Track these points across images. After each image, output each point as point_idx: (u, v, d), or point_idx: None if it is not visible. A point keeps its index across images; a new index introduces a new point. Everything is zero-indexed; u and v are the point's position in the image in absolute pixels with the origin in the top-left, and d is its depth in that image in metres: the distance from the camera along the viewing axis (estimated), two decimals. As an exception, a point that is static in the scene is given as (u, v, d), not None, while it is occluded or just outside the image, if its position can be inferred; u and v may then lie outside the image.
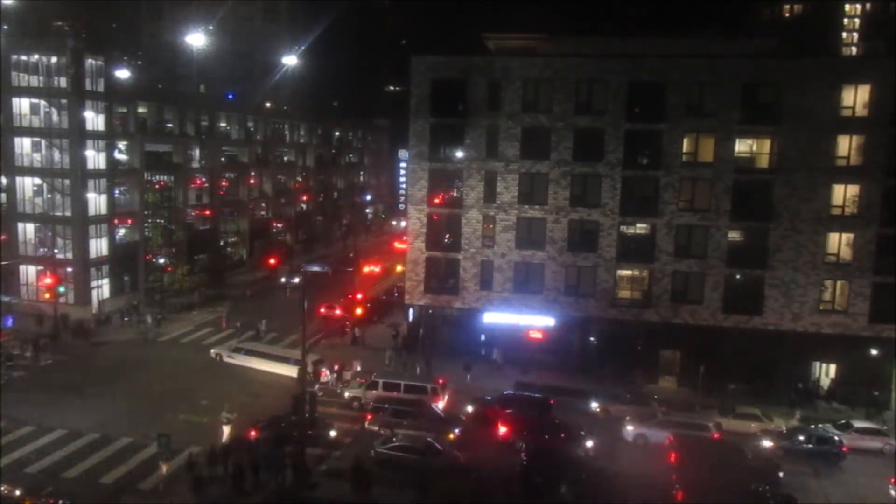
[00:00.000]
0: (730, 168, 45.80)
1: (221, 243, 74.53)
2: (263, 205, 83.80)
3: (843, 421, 40.50)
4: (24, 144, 56.13)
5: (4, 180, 56.84)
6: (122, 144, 60.99)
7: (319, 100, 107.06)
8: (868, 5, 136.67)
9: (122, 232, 60.82)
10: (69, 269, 55.51)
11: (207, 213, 71.76)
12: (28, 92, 55.37)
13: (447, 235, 50.83)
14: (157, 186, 64.43)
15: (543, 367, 46.84)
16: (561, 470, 32.30)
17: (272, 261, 73.90)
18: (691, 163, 46.36)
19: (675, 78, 45.78)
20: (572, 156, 47.40)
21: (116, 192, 59.77)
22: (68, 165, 55.09)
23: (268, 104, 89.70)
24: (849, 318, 45.34)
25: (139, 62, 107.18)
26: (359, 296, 59.63)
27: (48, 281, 53.36)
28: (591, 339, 48.61)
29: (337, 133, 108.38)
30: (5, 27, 70.00)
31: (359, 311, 56.69)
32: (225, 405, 36.01)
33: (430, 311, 51.13)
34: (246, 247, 78.68)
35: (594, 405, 41.87)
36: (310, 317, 47.82)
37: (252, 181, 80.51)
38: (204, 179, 71.60)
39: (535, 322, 49.04)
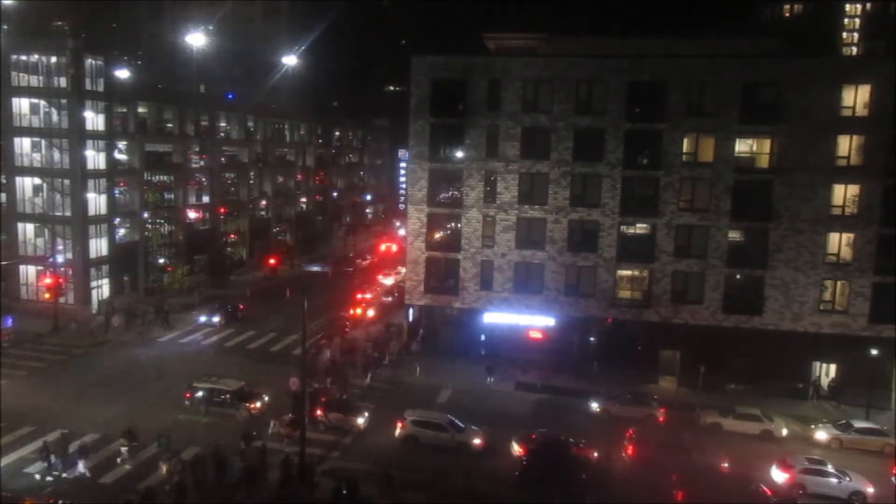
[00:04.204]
0: (730, 168, 45.81)
1: (221, 243, 74.54)
2: (263, 205, 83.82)
3: (843, 421, 40.55)
4: (24, 144, 56.17)
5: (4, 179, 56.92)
6: (122, 144, 61.02)
7: (319, 100, 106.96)
8: (868, 5, 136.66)
9: (122, 232, 60.87)
10: (69, 270, 55.56)
11: (207, 213, 71.76)
12: (28, 92, 55.39)
13: (447, 235, 50.92)
14: (157, 186, 64.47)
15: (543, 367, 46.85)
16: (561, 469, 32.27)
17: (272, 261, 74.13)
18: (691, 163, 46.36)
19: (675, 78, 45.78)
20: (572, 156, 47.40)
21: (116, 192, 59.81)
22: (68, 165, 55.11)
23: (268, 104, 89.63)
24: (849, 318, 45.35)
25: (139, 62, 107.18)
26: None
27: (48, 281, 53.40)
28: (591, 339, 48.62)
29: (337, 133, 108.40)
30: (5, 27, 70.04)
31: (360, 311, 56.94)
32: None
33: (430, 311, 51.13)
34: (246, 247, 78.68)
35: (594, 405, 41.85)
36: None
37: (252, 181, 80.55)
38: (204, 179, 71.63)
39: (535, 322, 49.03)
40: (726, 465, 34.34)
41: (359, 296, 62.69)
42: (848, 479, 33.38)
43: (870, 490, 33.08)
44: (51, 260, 54.69)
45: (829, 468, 33.80)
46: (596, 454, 34.58)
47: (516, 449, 34.81)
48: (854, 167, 44.53)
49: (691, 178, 46.41)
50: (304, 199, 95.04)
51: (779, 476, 33.78)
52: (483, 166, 48.67)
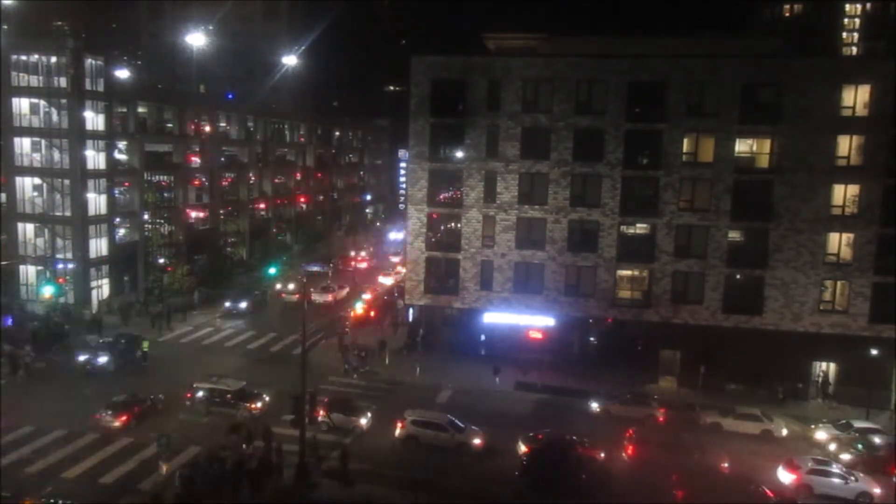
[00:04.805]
0: (730, 168, 45.80)
1: (221, 243, 74.49)
2: (263, 205, 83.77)
3: (843, 421, 40.53)
4: (24, 144, 56.16)
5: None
6: (122, 144, 61.00)
7: (319, 100, 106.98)
8: (868, 5, 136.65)
9: (122, 232, 60.84)
10: (69, 269, 55.54)
11: (207, 213, 71.73)
12: (28, 92, 55.38)
13: (447, 235, 50.92)
14: (157, 186, 64.46)
15: (543, 367, 46.85)
16: (561, 469, 32.29)
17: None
18: (691, 163, 46.35)
19: (675, 78, 45.78)
20: (572, 156, 47.40)
21: (116, 192, 59.80)
22: (68, 165, 55.10)
23: (268, 104, 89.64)
24: (849, 318, 45.34)
25: (139, 62, 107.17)
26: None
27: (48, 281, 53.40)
28: (591, 339, 48.62)
29: (337, 133, 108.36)
30: (5, 27, 70.02)
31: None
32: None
33: (431, 311, 51.14)
34: (246, 247, 78.65)
35: (594, 405, 41.85)
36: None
37: (252, 181, 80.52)
38: (204, 179, 71.61)
39: (535, 322, 49.03)
40: (726, 465, 34.34)
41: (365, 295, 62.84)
42: (855, 479, 33.34)
43: (877, 491, 33.02)
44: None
45: (836, 469, 33.76)
46: (602, 454, 34.64)
47: (522, 449, 34.87)
48: (854, 167, 44.52)
49: (691, 178, 46.40)
50: (304, 199, 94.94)
51: (786, 477, 33.75)
52: (483, 166, 48.67)
